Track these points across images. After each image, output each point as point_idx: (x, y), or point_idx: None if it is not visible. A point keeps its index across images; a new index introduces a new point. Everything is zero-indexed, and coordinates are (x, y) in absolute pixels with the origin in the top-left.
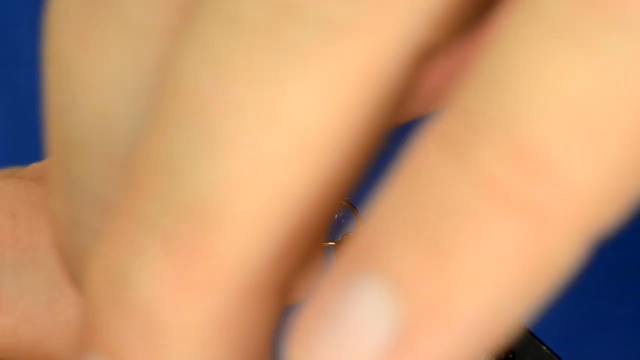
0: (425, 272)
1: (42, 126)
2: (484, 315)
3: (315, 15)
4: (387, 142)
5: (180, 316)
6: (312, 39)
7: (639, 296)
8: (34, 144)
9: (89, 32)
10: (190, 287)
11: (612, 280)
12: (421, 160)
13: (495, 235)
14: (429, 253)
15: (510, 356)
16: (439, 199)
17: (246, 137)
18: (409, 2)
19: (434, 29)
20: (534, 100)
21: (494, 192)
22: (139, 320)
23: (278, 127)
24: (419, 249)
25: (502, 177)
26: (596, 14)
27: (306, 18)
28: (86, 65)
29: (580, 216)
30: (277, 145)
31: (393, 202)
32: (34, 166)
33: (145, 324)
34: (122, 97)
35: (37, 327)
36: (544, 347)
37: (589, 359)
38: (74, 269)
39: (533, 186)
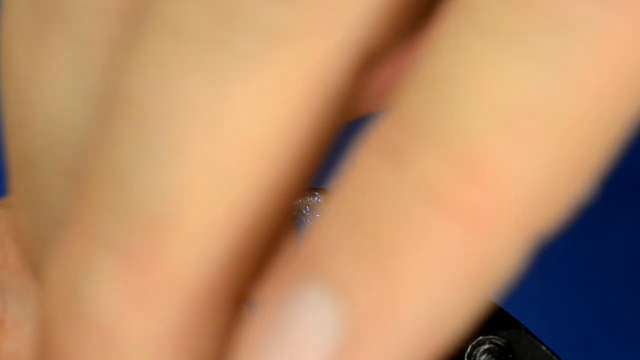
0: (367, 279)
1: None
2: (426, 320)
3: (259, 21)
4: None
5: (134, 329)
6: (255, 45)
7: (639, 296)
8: None
9: (38, 44)
10: (143, 300)
11: (612, 281)
12: (361, 168)
13: (435, 240)
14: (370, 260)
15: (510, 356)
16: (379, 206)
17: (193, 145)
18: (351, 6)
19: (377, 32)
20: (469, 105)
21: (433, 197)
22: (93, 334)
23: (225, 134)
24: (360, 257)
25: (440, 183)
26: (529, 16)
27: (249, 24)
28: (36, 78)
29: (519, 219)
30: (224, 152)
31: (335, 211)
32: None
33: (100, 338)
34: (73, 109)
35: None
36: (544, 347)
37: (588, 358)
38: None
39: (471, 190)
